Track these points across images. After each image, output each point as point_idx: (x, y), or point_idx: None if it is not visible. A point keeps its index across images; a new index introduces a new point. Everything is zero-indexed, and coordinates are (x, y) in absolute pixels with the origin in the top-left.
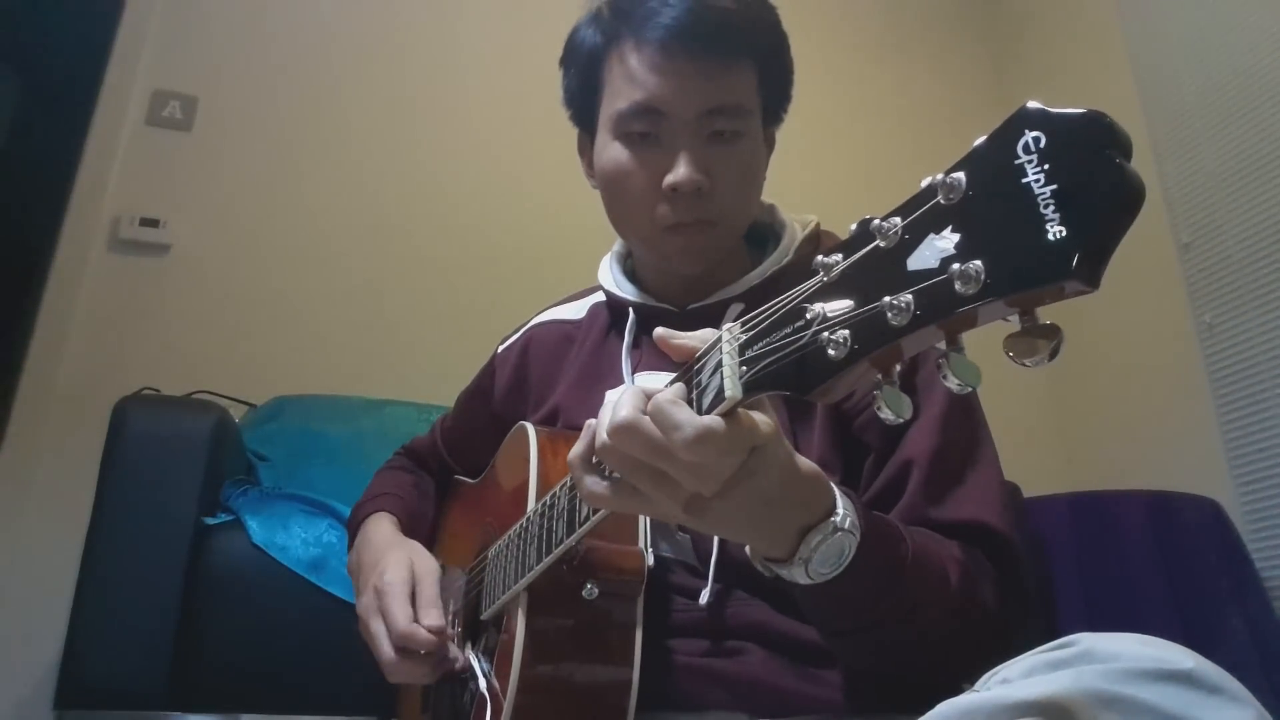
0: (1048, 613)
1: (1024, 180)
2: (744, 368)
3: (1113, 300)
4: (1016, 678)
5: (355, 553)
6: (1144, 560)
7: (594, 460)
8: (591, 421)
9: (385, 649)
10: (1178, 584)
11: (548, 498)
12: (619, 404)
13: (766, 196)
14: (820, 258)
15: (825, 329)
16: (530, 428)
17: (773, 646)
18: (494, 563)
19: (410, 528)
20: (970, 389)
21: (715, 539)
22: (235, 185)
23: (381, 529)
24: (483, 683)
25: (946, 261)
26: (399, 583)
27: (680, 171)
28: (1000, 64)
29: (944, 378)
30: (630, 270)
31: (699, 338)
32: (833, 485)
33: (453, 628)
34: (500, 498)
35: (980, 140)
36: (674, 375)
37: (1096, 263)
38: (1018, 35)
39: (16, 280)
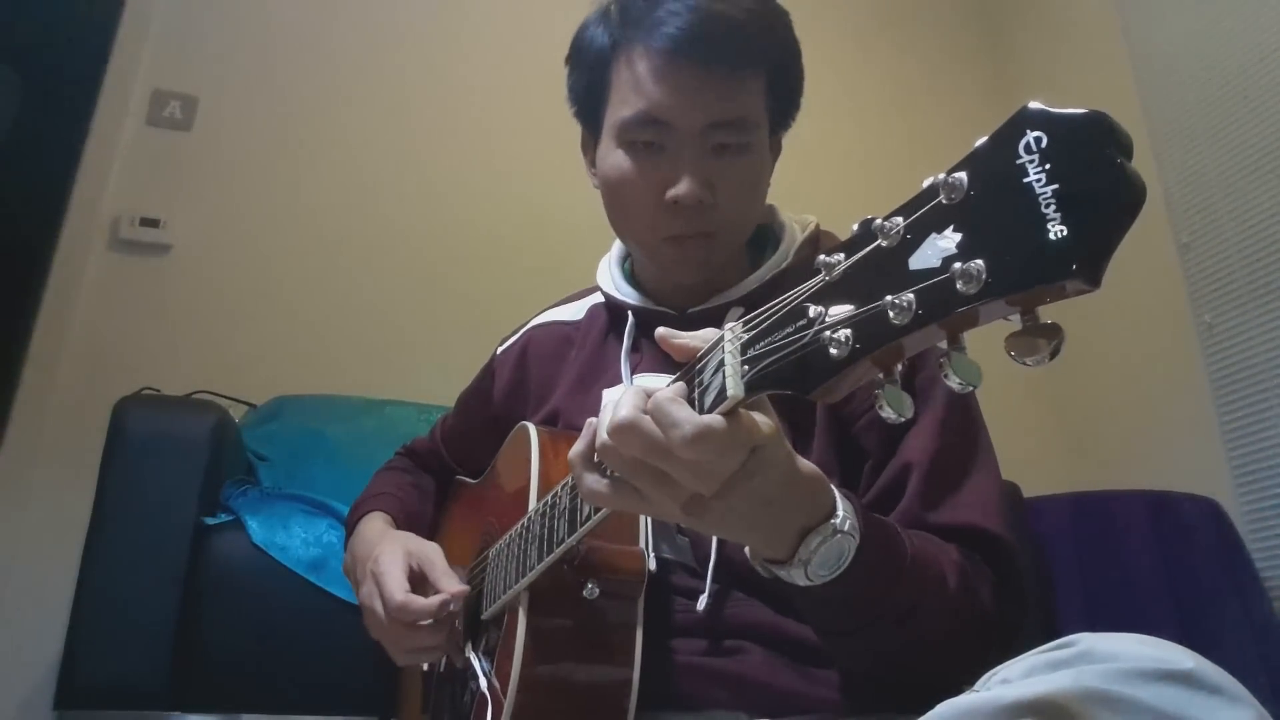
0: (1047, 613)
1: (1025, 180)
2: (746, 367)
3: (1113, 300)
4: (1016, 678)
5: (349, 552)
6: (1144, 560)
7: (594, 459)
8: (592, 420)
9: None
10: (1178, 584)
11: (549, 497)
12: (619, 403)
13: (767, 197)
14: (822, 257)
15: (827, 328)
16: (532, 428)
17: (772, 646)
18: (495, 562)
19: (408, 527)
20: (972, 388)
21: (714, 541)
22: (235, 185)
23: (374, 526)
24: (483, 682)
25: (948, 261)
26: (393, 563)
27: (683, 186)
28: (1000, 64)
29: (945, 377)
30: (629, 272)
31: (701, 337)
32: (833, 487)
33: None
34: (501, 498)
35: (982, 140)
36: (675, 375)
37: (1098, 262)
38: (1017, 34)
39: (16, 280)
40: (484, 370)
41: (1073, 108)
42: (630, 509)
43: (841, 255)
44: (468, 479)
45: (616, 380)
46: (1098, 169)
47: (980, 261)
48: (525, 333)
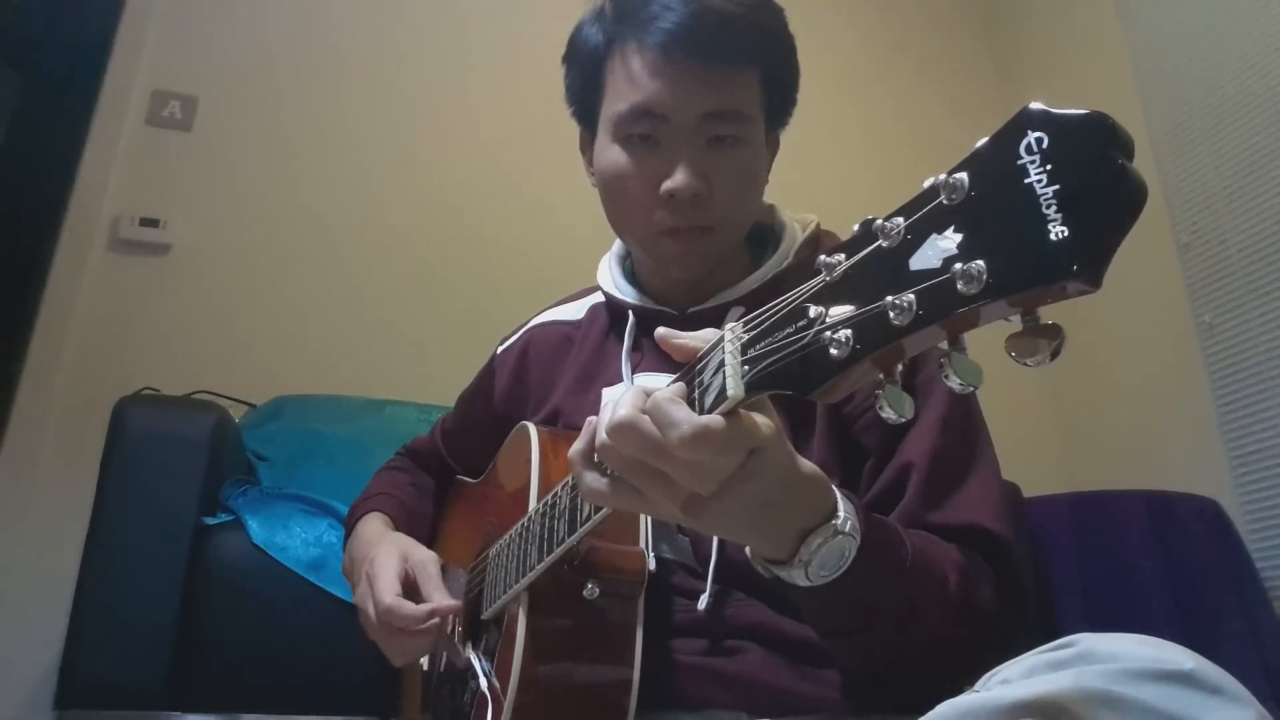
0: (1047, 613)
1: (1026, 181)
2: (746, 367)
3: (1113, 300)
4: (1016, 678)
5: (348, 553)
6: (1144, 560)
7: (594, 458)
8: (593, 419)
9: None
10: (1178, 584)
11: (549, 497)
12: (619, 403)
13: (766, 196)
14: (823, 257)
15: (828, 328)
16: (532, 427)
17: (772, 646)
18: (495, 562)
19: (408, 527)
20: (972, 389)
21: (714, 542)
22: (235, 185)
23: (373, 527)
24: (483, 682)
25: (949, 261)
26: (387, 565)
27: (678, 178)
28: (1000, 64)
29: (946, 377)
30: (629, 271)
31: (701, 338)
32: (834, 488)
33: (454, 627)
34: (501, 497)
35: (983, 141)
36: (675, 375)
37: (1099, 263)
38: (1018, 35)
39: (16, 280)
40: (484, 370)
41: (1073, 108)
42: (629, 508)
43: (842, 255)
44: (468, 479)
45: (617, 379)
46: (1099, 169)
47: (981, 262)
48: (525, 332)
